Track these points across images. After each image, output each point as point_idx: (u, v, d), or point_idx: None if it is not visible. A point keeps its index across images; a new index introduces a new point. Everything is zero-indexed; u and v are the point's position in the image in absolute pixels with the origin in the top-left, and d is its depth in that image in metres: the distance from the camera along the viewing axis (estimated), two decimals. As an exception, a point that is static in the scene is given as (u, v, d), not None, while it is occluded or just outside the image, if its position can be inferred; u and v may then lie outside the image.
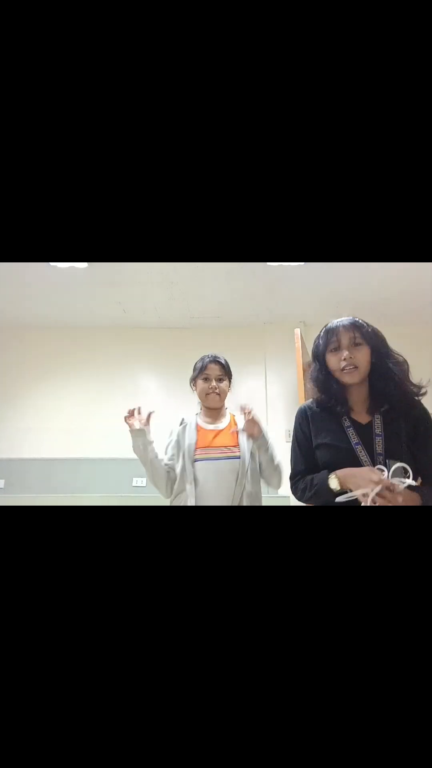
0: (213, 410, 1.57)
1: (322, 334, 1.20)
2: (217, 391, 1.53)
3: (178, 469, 1.49)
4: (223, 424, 1.55)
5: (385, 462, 1.03)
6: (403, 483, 0.94)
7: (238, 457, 1.46)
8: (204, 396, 1.54)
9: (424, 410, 1.13)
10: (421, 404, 1.13)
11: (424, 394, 1.12)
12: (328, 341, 1.15)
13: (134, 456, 1.47)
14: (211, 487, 1.41)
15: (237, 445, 1.47)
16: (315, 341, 1.23)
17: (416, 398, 1.11)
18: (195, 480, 1.43)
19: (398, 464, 0.99)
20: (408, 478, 0.95)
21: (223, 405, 1.60)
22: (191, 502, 1.38)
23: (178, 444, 1.54)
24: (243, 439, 1.47)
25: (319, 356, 1.19)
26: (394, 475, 0.97)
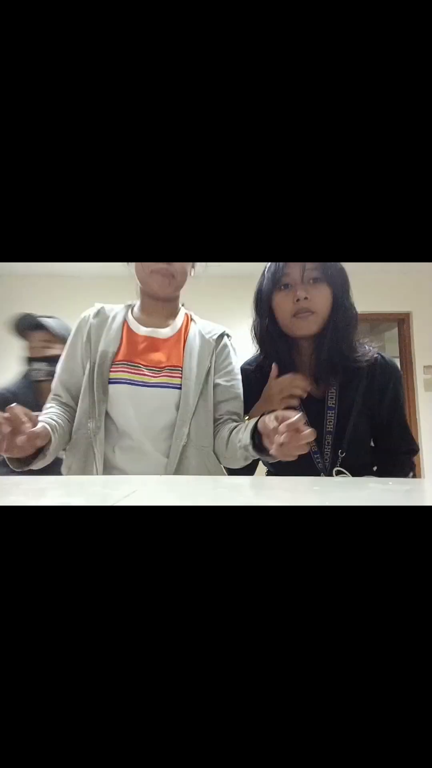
0: (156, 303, 0.94)
1: (266, 269, 0.87)
2: (168, 271, 0.88)
3: (72, 393, 0.88)
4: (167, 329, 0.93)
5: (335, 444, 0.84)
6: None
7: (178, 387, 0.86)
8: (147, 275, 0.89)
9: (396, 376, 0.88)
10: (393, 368, 0.88)
11: (368, 362, 0.86)
12: (274, 277, 0.84)
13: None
14: (132, 429, 0.83)
15: (180, 366, 0.87)
16: (258, 281, 0.89)
17: (374, 359, 0.86)
18: (105, 413, 0.83)
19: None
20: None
21: (177, 298, 0.97)
22: (98, 465, 0.80)
23: (86, 347, 0.88)
24: (191, 357, 0.89)
25: (262, 299, 0.88)
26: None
